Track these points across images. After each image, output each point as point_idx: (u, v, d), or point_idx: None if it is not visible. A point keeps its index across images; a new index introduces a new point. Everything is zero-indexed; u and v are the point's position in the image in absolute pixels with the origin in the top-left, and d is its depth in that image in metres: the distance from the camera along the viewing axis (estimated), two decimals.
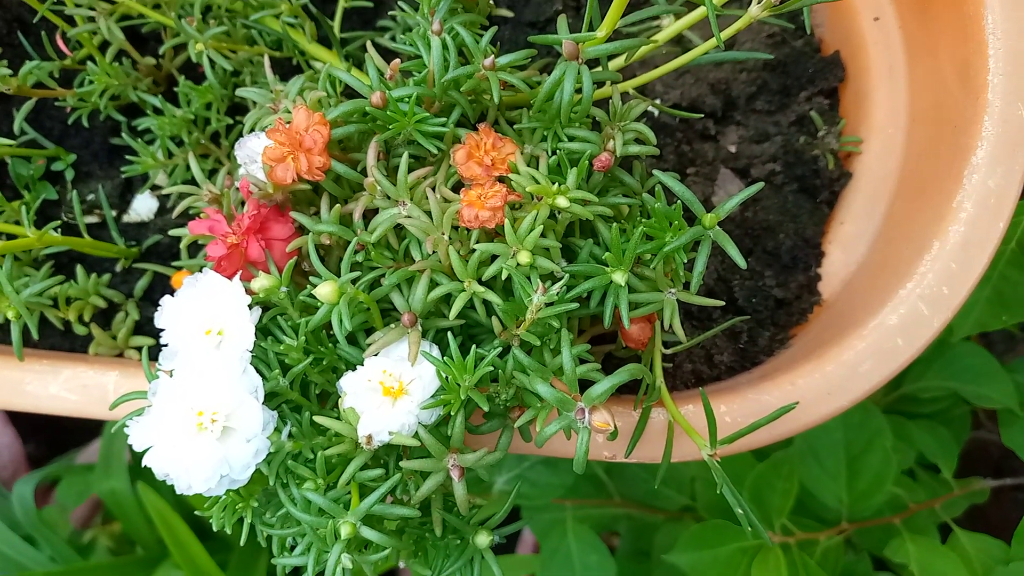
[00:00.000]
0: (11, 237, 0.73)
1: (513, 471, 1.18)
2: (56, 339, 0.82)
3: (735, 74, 0.85)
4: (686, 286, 0.63)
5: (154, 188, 0.86)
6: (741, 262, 0.57)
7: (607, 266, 0.59)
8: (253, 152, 0.65)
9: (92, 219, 0.86)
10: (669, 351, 0.68)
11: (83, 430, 1.84)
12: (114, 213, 0.86)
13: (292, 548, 0.61)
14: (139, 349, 0.80)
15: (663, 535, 1.29)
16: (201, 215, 0.68)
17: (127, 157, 0.85)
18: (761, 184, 0.58)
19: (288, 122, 0.62)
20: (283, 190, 0.64)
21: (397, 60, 0.64)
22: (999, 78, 0.65)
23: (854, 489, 1.14)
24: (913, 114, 0.78)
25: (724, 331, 0.76)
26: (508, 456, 1.19)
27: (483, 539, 0.61)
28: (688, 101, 0.83)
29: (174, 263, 0.82)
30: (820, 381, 0.65)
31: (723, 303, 0.63)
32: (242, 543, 0.61)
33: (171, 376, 0.58)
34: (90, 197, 0.87)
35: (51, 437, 1.92)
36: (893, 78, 0.80)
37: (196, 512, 0.62)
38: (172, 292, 0.81)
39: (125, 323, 0.80)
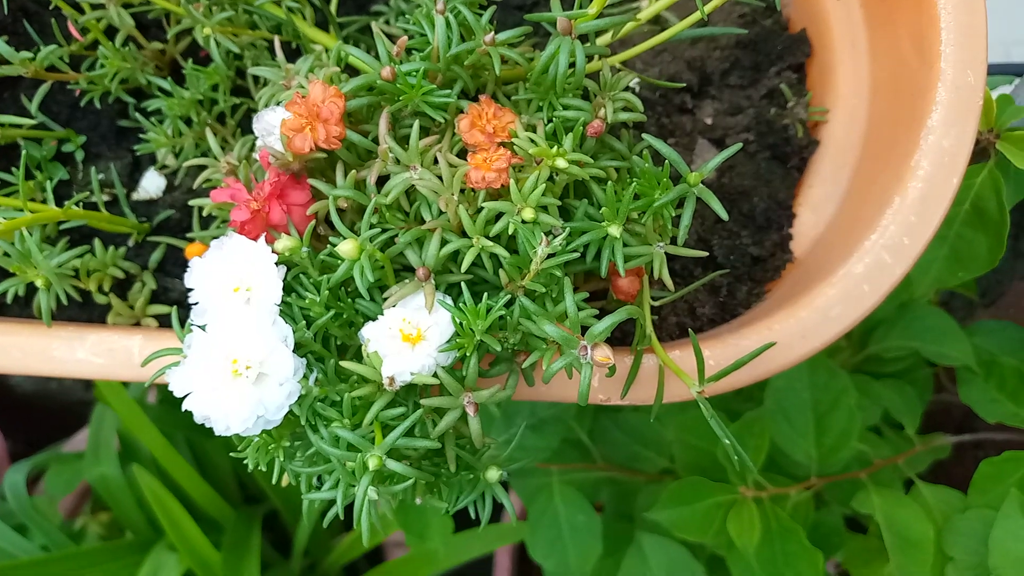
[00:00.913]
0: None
1: (502, 436, 1.23)
2: (74, 311, 0.86)
3: (709, 52, 0.91)
4: (673, 241, 0.69)
5: (162, 168, 0.91)
6: (724, 214, 0.63)
7: (601, 222, 0.64)
8: (270, 125, 0.70)
9: (103, 197, 0.90)
10: (657, 303, 0.74)
11: (61, 426, 1.86)
12: (124, 191, 0.90)
13: (319, 487, 0.66)
14: (156, 317, 0.84)
15: (644, 496, 1.35)
16: (222, 185, 0.72)
17: (137, 137, 0.89)
18: (740, 145, 0.65)
19: (304, 95, 0.67)
20: (300, 159, 0.69)
21: (404, 38, 0.70)
22: (950, 48, 0.71)
23: (822, 445, 1.20)
24: (875, 84, 0.85)
25: (705, 286, 0.82)
26: (497, 421, 1.24)
27: (493, 474, 0.67)
28: (666, 77, 0.89)
29: (187, 235, 0.87)
30: (795, 325, 0.71)
31: (706, 254, 0.69)
32: (273, 482, 0.66)
33: (204, 330, 0.63)
34: (100, 177, 0.91)
35: (29, 433, 1.94)
36: (855, 52, 0.86)
37: (231, 454, 0.67)
38: (185, 263, 0.86)
39: (142, 293, 0.84)
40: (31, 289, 0.82)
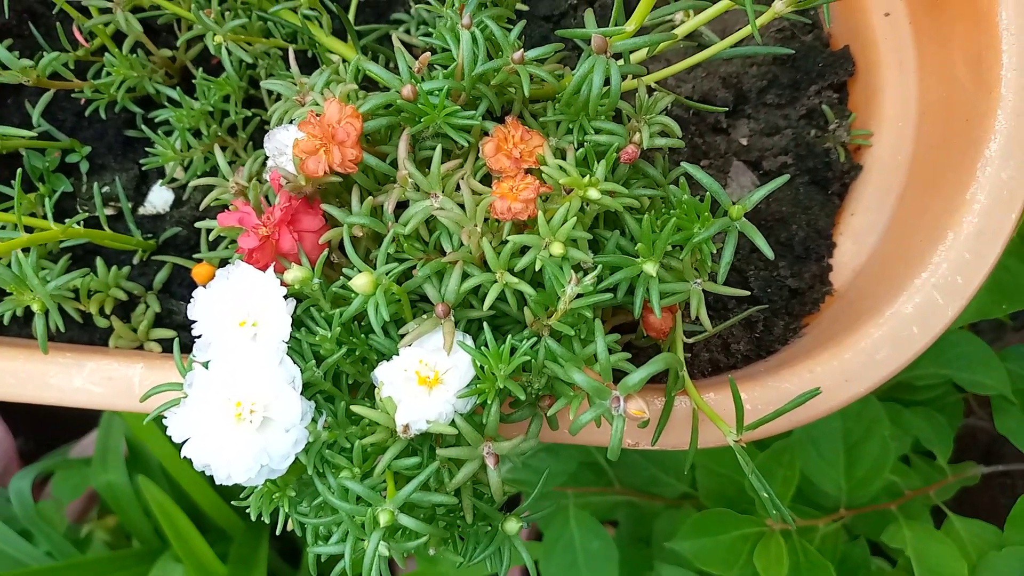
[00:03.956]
0: (29, 229, 0.73)
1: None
2: (75, 331, 0.82)
3: (746, 68, 0.86)
4: (712, 277, 0.64)
5: (171, 181, 0.86)
6: (769, 253, 0.58)
7: (635, 256, 0.60)
8: (282, 144, 0.66)
9: (107, 211, 0.86)
10: (690, 340, 0.69)
11: (72, 425, 1.83)
12: (130, 205, 0.86)
13: (327, 537, 0.62)
14: (159, 341, 0.80)
15: (663, 522, 1.31)
16: (230, 207, 0.68)
17: (144, 148, 0.85)
18: (787, 177, 0.60)
19: (319, 114, 0.62)
20: (313, 182, 0.65)
21: (427, 54, 0.65)
22: (1012, 73, 0.66)
23: (852, 477, 1.16)
24: (923, 108, 0.80)
25: (740, 321, 0.78)
26: None
27: (512, 525, 0.62)
28: (700, 94, 0.85)
29: (194, 256, 0.82)
30: (838, 368, 0.66)
31: (748, 293, 0.65)
32: (278, 532, 0.61)
33: (206, 368, 0.59)
34: (105, 189, 0.86)
35: (40, 432, 1.91)
36: (903, 72, 0.81)
37: (232, 502, 0.63)
38: (192, 284, 0.81)
39: (145, 315, 0.80)
40: (31, 309, 0.78)
